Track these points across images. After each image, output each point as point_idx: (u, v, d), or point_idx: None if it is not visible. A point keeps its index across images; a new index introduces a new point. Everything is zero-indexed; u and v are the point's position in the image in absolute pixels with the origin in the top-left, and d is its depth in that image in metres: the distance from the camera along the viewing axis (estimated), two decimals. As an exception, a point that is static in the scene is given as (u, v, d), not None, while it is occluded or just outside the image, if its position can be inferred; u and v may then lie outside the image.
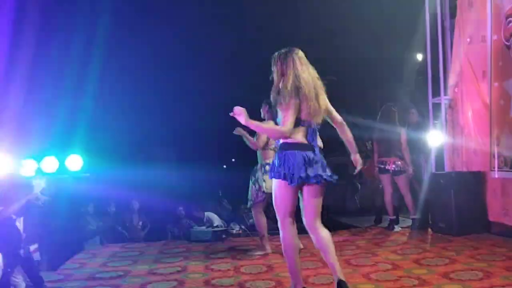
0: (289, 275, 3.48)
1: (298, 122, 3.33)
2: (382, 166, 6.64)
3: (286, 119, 3.29)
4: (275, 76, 3.47)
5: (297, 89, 3.31)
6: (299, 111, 3.32)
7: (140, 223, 8.57)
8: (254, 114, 3.81)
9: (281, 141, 3.39)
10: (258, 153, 5.36)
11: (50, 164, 5.65)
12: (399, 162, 6.56)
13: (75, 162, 5.96)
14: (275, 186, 3.39)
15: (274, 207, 3.44)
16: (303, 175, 3.26)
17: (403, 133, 6.63)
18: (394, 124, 6.67)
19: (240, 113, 3.25)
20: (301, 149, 3.32)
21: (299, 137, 3.34)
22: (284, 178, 3.28)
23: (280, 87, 3.36)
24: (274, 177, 3.35)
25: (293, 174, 3.26)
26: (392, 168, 6.57)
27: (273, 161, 3.40)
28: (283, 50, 3.48)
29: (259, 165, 5.35)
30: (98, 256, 5.53)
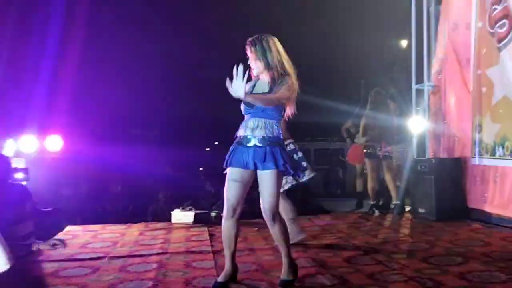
0: (289, 252, 3.45)
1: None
2: (373, 151, 6.67)
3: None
4: (261, 60, 3.31)
5: None
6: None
7: (121, 204, 8.51)
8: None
9: (282, 135, 3.38)
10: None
11: (29, 144, 5.54)
12: (390, 148, 6.63)
13: (54, 142, 5.87)
14: (281, 178, 3.34)
15: (278, 200, 3.31)
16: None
17: (395, 119, 6.71)
18: (386, 109, 6.70)
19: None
20: None
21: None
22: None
23: (291, 79, 3.31)
24: (287, 172, 3.33)
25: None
26: (384, 153, 6.62)
27: (282, 155, 3.28)
28: (262, 36, 3.36)
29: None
30: (78, 237, 5.47)
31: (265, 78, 3.39)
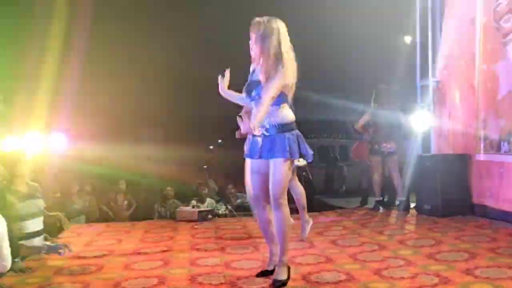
0: (285, 248, 3.37)
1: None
2: (377, 147, 6.64)
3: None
4: (258, 44, 3.25)
5: None
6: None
7: (125, 202, 8.50)
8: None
9: (288, 119, 3.30)
10: None
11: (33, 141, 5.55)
12: (393, 144, 6.58)
13: (58, 140, 5.88)
14: (287, 166, 3.29)
15: (282, 187, 3.29)
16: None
17: (401, 116, 6.65)
18: (392, 105, 6.66)
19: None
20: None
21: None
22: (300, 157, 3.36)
23: (284, 69, 3.20)
24: (293, 157, 3.29)
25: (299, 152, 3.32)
26: (388, 149, 6.58)
27: (287, 142, 3.25)
28: (268, 19, 3.26)
29: None
30: (82, 235, 5.48)
31: (261, 64, 3.30)
